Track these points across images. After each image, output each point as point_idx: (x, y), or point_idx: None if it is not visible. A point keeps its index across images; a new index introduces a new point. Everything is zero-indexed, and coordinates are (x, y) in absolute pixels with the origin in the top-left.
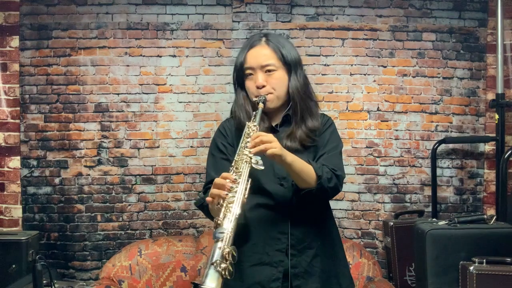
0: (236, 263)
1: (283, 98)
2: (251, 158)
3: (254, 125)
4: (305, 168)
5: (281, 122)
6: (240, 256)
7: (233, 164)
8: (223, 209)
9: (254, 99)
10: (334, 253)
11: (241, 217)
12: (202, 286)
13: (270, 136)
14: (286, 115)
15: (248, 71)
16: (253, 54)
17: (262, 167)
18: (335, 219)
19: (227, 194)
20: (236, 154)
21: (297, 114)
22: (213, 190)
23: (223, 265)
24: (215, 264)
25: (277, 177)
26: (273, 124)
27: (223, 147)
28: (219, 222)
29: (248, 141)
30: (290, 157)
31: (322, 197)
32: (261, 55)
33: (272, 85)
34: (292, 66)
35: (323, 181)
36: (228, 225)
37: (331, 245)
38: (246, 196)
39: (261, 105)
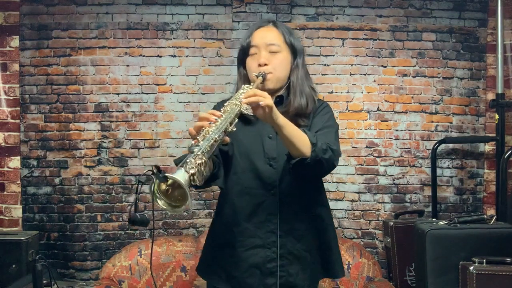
0: (230, 248)
1: (282, 81)
2: (241, 102)
3: (249, 88)
4: (297, 134)
5: (275, 104)
6: (234, 242)
7: (222, 110)
8: (202, 133)
9: (254, 74)
10: (323, 238)
11: (219, 145)
12: (166, 174)
13: (265, 93)
14: (279, 96)
15: (252, 50)
16: (259, 34)
17: (251, 113)
18: (335, 219)
19: (210, 124)
20: (227, 103)
21: (295, 95)
22: (197, 123)
23: (192, 170)
24: (184, 165)
25: (266, 157)
26: None
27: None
28: (196, 142)
29: (242, 94)
30: (282, 120)
31: (317, 170)
32: (268, 34)
33: (274, 65)
34: (297, 51)
35: (317, 149)
36: (205, 143)
37: (321, 230)
38: (230, 129)
39: (260, 79)
